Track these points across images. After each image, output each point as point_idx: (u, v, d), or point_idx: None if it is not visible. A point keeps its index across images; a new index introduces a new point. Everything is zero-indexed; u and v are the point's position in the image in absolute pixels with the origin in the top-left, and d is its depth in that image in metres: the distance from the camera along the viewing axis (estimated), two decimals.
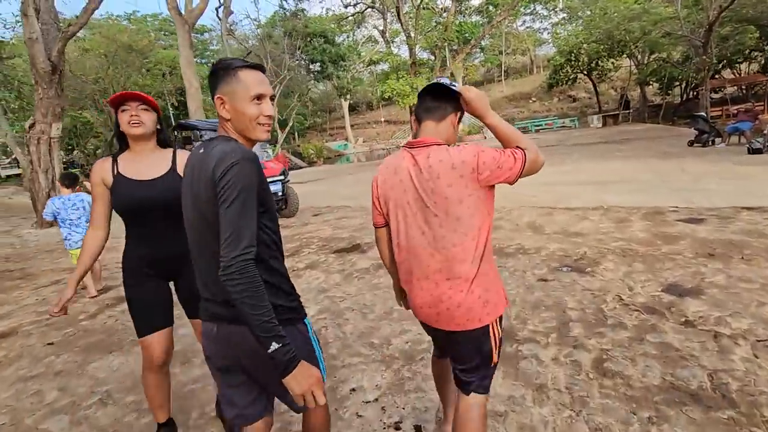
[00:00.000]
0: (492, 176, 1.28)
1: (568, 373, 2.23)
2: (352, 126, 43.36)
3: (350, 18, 26.91)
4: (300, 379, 1.04)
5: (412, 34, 16.73)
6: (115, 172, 1.75)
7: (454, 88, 1.37)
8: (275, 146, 21.56)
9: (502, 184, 1.32)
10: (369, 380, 2.34)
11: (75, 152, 31.59)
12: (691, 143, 12.17)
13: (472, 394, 1.42)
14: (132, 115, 1.72)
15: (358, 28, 37.64)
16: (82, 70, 20.30)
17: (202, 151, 1.16)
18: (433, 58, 18.98)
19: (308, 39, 30.62)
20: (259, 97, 1.16)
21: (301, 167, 30.20)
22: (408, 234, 1.39)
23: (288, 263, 4.90)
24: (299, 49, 29.39)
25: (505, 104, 39.18)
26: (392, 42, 19.69)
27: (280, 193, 7.32)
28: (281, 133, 22.57)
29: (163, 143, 1.87)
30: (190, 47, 14.80)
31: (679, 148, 11.89)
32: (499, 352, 1.44)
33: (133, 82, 22.06)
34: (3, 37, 15.43)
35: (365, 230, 6.13)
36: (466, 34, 27.65)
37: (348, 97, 38.12)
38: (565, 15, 32.85)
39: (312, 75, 34.25)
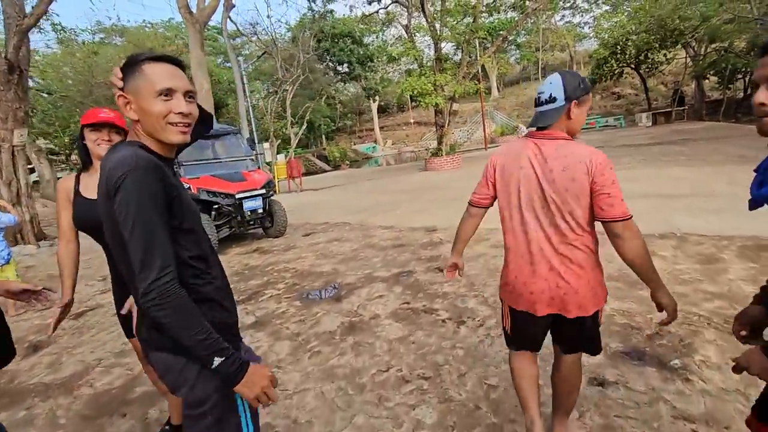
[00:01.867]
0: (598, 192, 1.37)
1: None
2: (381, 128, 42.29)
3: (377, 16, 25.74)
4: (250, 385, 0.99)
5: (437, 27, 15.28)
6: (76, 190, 1.77)
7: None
8: (288, 150, 20.65)
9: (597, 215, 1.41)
10: None
11: None
12: None
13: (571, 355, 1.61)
14: (103, 139, 1.73)
15: (387, 27, 36.50)
16: (107, 76, 20.31)
17: (105, 158, 1.04)
18: (460, 53, 17.44)
19: (335, 40, 29.81)
20: (168, 93, 1.02)
21: (325, 171, 29.36)
22: (523, 219, 1.48)
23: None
24: (326, 50, 28.56)
25: None
26: (415, 35, 18.26)
27: (260, 210, 6.13)
28: (294, 136, 21.58)
29: None
30: (201, 48, 14.04)
31: (757, 151, 9.77)
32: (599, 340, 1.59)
33: None
34: None
35: (353, 261, 4.83)
36: (501, 31, 25.82)
37: (376, 98, 36.99)
38: (608, 7, 30.16)
39: (340, 76, 33.40)
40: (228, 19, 13.25)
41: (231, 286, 1.21)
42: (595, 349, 1.61)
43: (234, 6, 12.65)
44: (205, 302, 1.05)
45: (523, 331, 1.64)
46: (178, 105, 1.03)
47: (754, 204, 1.06)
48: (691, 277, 3.33)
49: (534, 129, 1.52)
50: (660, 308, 1.50)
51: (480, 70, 17.25)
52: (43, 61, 21.20)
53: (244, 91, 14.90)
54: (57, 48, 22.69)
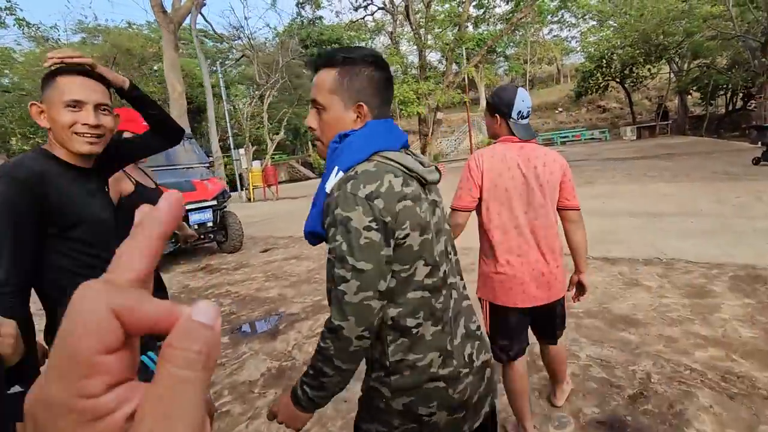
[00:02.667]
0: (565, 183, 1.68)
1: None
2: None
3: (364, 21, 25.46)
4: None
5: (422, 35, 14.97)
6: (135, 182, 1.92)
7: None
8: (265, 157, 20.02)
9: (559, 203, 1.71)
10: None
11: None
12: (756, 161, 9.80)
13: (559, 342, 1.88)
14: None
15: (377, 35, 36.30)
16: None
17: None
18: (445, 61, 17.19)
19: (323, 46, 29.45)
20: (76, 104, 1.06)
21: (309, 178, 28.75)
22: (511, 215, 1.62)
23: None
24: (313, 56, 28.13)
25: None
26: (401, 43, 17.94)
27: (209, 223, 5.53)
28: (271, 142, 20.91)
29: None
30: (174, 48, 13.44)
31: (742, 167, 9.57)
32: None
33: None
34: None
35: (306, 285, 4.29)
36: (488, 41, 25.77)
37: None
38: (595, 23, 30.44)
39: None
40: (200, 17, 12.67)
41: None
42: (562, 328, 1.88)
43: (204, 4, 12.12)
44: None
45: (510, 330, 1.74)
46: (86, 117, 1.06)
47: (309, 241, 0.96)
48: (680, 316, 2.88)
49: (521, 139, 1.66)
50: (582, 290, 1.89)
51: (466, 80, 16.95)
52: (20, 59, 20.40)
53: (221, 94, 14.34)
54: (33, 46, 21.90)
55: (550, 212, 1.64)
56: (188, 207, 5.23)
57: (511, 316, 1.69)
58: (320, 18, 31.71)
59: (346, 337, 0.78)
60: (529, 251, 1.61)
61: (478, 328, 1.01)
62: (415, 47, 21.92)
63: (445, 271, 0.89)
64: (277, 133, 22.07)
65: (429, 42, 15.41)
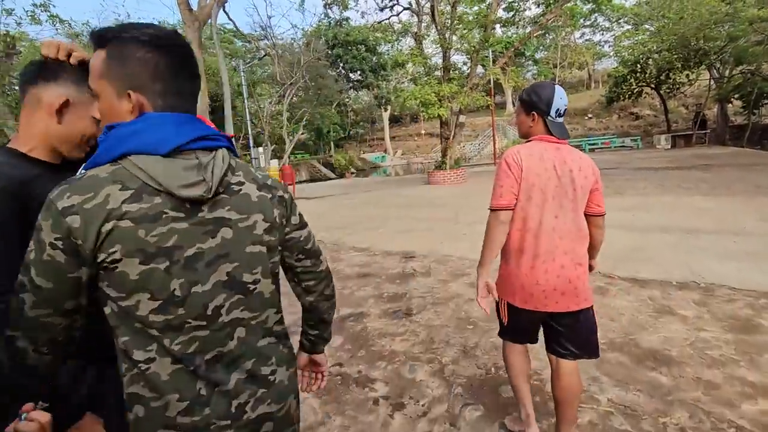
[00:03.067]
0: (596, 190, 1.63)
1: None
2: (393, 138, 41.74)
3: (390, 22, 25.24)
4: None
5: (447, 36, 14.59)
6: None
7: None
8: (281, 158, 20.03)
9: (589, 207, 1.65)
10: None
11: None
12: None
13: (574, 361, 1.67)
14: None
15: (404, 37, 36.07)
16: None
17: None
18: (469, 62, 16.75)
19: (348, 47, 29.41)
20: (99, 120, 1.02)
21: (330, 179, 28.77)
22: (543, 218, 1.56)
23: None
24: (338, 57, 28.17)
25: None
26: (425, 42, 17.59)
27: None
28: (289, 141, 20.88)
29: None
30: (198, 46, 13.57)
31: None
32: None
33: None
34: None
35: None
36: (515, 44, 25.07)
37: (388, 107, 36.44)
38: (630, 26, 29.20)
39: (351, 84, 32.96)
40: (225, 16, 12.72)
41: None
42: (595, 348, 1.68)
43: (226, 1, 12.15)
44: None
45: (523, 328, 1.73)
46: (99, 130, 1.01)
47: None
48: (722, 355, 2.46)
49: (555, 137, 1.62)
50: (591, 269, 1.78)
51: (492, 83, 16.46)
52: None
53: (242, 92, 14.41)
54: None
55: (579, 217, 1.60)
56: None
57: (529, 318, 1.66)
58: (347, 19, 31.81)
59: (21, 348, 0.71)
60: (556, 257, 1.56)
61: (273, 372, 0.84)
62: (440, 48, 21.52)
63: (215, 306, 0.76)
64: (289, 134, 22.05)
65: (454, 43, 15.01)
